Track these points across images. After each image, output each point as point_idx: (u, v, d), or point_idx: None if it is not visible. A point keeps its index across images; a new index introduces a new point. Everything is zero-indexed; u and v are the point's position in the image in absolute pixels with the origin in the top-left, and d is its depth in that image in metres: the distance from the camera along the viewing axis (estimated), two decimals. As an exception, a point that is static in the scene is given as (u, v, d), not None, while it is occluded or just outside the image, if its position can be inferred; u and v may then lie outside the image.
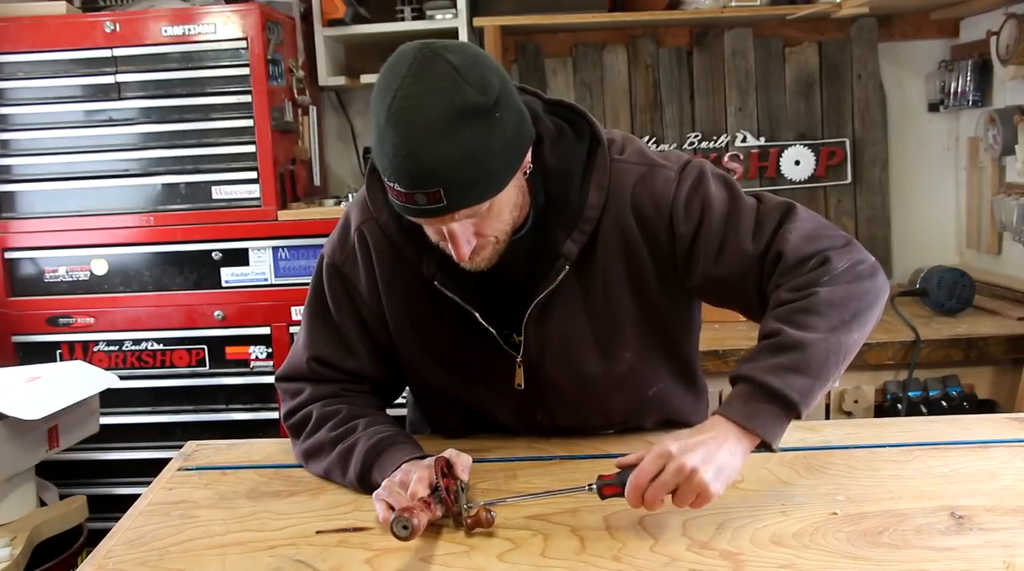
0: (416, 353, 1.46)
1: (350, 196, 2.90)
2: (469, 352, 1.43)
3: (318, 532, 1.24)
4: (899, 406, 2.47)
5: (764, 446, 1.21)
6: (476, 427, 1.56)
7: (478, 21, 2.92)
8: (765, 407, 1.21)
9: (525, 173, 1.30)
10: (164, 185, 2.75)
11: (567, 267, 1.34)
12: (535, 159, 1.33)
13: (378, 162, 1.20)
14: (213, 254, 2.76)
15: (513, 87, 1.24)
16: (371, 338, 1.47)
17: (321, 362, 1.47)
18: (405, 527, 1.12)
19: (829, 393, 2.52)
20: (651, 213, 1.36)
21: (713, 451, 1.16)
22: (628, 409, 1.50)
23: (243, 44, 2.68)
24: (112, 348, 2.80)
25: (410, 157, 1.14)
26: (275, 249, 2.76)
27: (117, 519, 1.32)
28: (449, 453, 1.27)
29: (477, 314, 1.37)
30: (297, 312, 2.71)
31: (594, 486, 1.21)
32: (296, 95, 2.92)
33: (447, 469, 1.23)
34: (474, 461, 1.34)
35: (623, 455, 1.29)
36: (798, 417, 1.22)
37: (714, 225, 1.34)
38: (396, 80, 1.16)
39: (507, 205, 1.27)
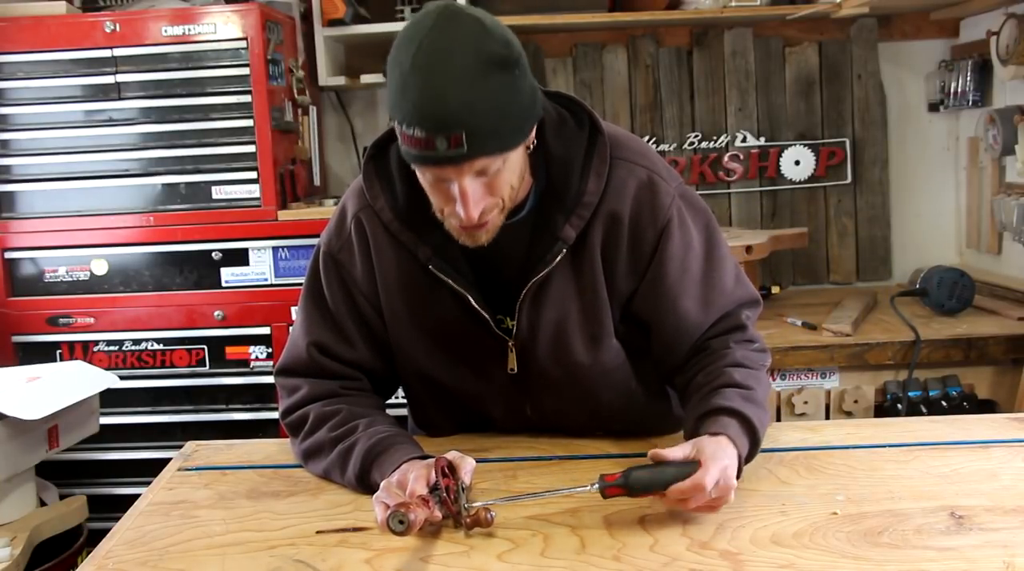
0: (410, 340, 1.47)
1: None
2: (462, 338, 1.44)
3: (318, 532, 1.24)
4: (899, 406, 2.46)
5: None
6: (465, 423, 1.56)
7: (478, 21, 2.92)
8: (747, 445, 1.31)
9: (528, 147, 1.32)
10: (164, 185, 2.75)
11: (564, 250, 1.36)
12: (539, 144, 1.35)
13: (398, 111, 1.21)
14: (213, 254, 2.76)
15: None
16: (367, 325, 1.48)
17: (320, 349, 1.47)
18: (401, 522, 1.11)
19: (829, 393, 2.52)
20: (648, 221, 1.39)
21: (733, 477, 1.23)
22: (614, 405, 1.50)
23: (243, 44, 2.68)
24: (112, 348, 2.80)
25: (436, 99, 1.17)
26: (275, 249, 2.76)
27: (117, 519, 1.32)
28: (453, 455, 1.27)
29: (471, 298, 1.38)
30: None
31: (596, 486, 1.21)
32: (296, 95, 2.92)
33: (448, 470, 1.23)
34: (476, 462, 1.34)
35: (623, 455, 1.30)
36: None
37: (694, 272, 1.43)
38: (421, 32, 1.19)
39: (516, 168, 1.29)
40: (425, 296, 1.42)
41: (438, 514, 1.19)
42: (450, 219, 1.31)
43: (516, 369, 1.45)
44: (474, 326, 1.42)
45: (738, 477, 1.25)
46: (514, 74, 1.21)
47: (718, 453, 1.21)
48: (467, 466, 1.27)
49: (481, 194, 1.26)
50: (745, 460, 1.30)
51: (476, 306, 1.39)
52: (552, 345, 1.43)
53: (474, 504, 1.22)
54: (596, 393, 1.48)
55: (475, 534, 1.21)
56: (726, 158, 3.21)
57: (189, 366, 2.81)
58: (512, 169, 1.28)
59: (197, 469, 1.50)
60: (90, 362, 2.67)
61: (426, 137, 1.18)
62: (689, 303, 1.43)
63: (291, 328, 2.71)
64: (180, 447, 1.61)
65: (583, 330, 1.42)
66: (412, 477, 1.23)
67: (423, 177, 1.29)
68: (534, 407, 1.51)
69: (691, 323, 1.44)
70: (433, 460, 1.26)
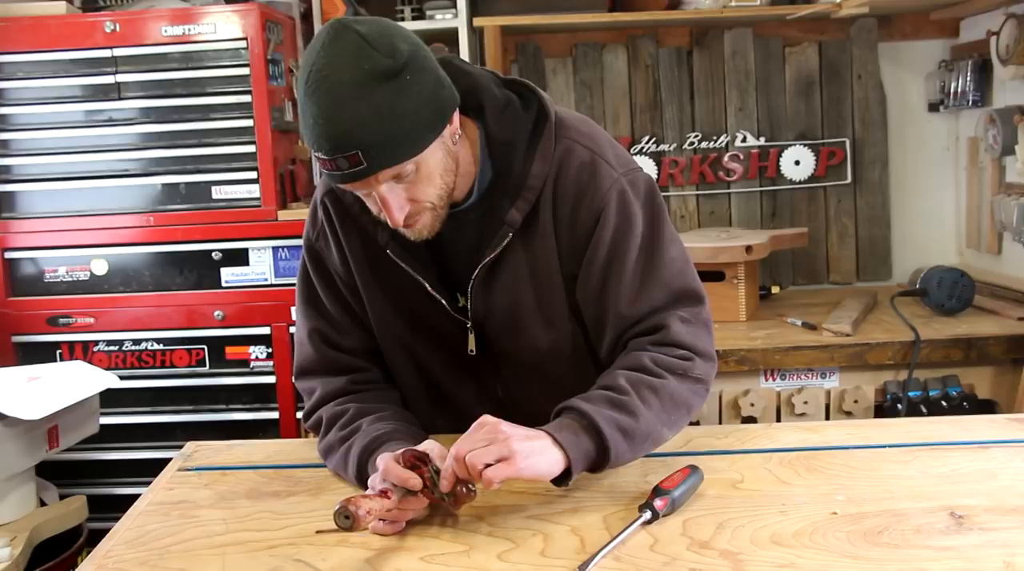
0: (385, 319, 1.49)
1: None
2: (427, 318, 1.46)
3: (318, 532, 1.24)
4: (899, 406, 2.46)
5: (560, 478, 1.24)
6: (442, 405, 1.55)
7: (478, 21, 2.92)
8: (587, 446, 1.25)
9: (453, 141, 1.33)
10: (164, 185, 2.75)
11: (510, 234, 1.37)
12: (482, 129, 1.37)
13: (305, 137, 1.26)
14: (213, 254, 2.76)
15: (429, 55, 1.28)
16: (352, 310, 1.50)
17: (322, 336, 1.50)
18: (347, 517, 1.12)
19: (829, 393, 2.52)
20: (586, 204, 1.39)
21: (532, 443, 1.20)
22: (577, 390, 1.41)
23: (243, 44, 2.68)
24: (112, 348, 2.80)
25: (327, 122, 1.20)
26: (275, 249, 2.76)
27: (117, 519, 1.32)
28: (427, 445, 1.28)
29: (427, 284, 1.41)
30: (297, 312, 2.72)
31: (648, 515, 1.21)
32: (296, 95, 2.92)
33: (417, 459, 1.23)
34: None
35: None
36: (598, 470, 1.28)
37: (627, 261, 1.39)
38: (311, 57, 1.23)
39: (436, 169, 1.29)
40: (392, 277, 1.44)
41: (393, 498, 1.18)
42: (386, 220, 1.32)
43: (475, 351, 1.46)
44: (433, 307, 1.44)
45: (566, 480, 1.23)
46: (404, 80, 1.21)
47: (493, 422, 1.21)
48: (436, 451, 1.26)
49: (403, 199, 1.28)
50: (597, 466, 1.27)
51: (432, 292, 1.41)
52: (507, 328, 1.44)
53: (461, 483, 1.21)
54: (558, 376, 1.48)
55: (475, 534, 1.21)
56: (726, 158, 3.21)
57: (189, 366, 2.81)
58: (431, 169, 1.28)
59: (197, 469, 1.50)
60: (90, 362, 2.67)
61: (329, 159, 1.22)
62: (616, 293, 1.39)
63: (294, 335, 2.72)
64: (180, 447, 1.61)
65: (538, 313, 1.43)
66: (380, 470, 1.23)
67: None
68: (504, 388, 1.52)
69: (616, 313, 1.40)
70: (399, 453, 1.25)
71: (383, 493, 1.18)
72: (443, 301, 1.43)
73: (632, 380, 1.32)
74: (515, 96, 1.41)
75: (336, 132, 1.20)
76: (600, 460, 1.26)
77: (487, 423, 1.22)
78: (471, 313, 1.44)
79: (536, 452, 1.19)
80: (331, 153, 1.21)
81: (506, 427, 1.21)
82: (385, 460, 1.24)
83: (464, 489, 1.20)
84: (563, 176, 1.38)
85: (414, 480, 1.20)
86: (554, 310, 1.43)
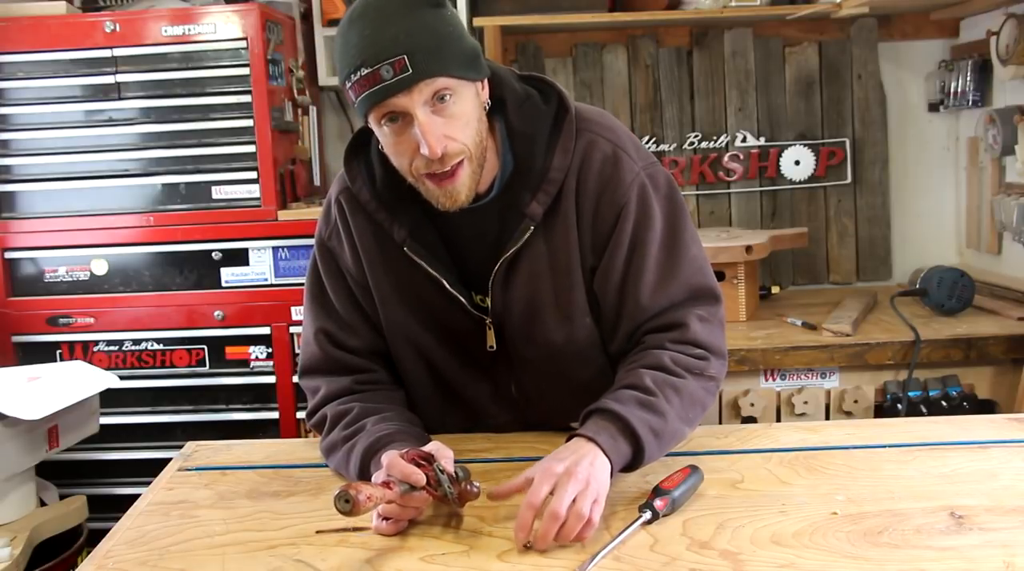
0: (398, 319, 1.48)
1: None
2: (444, 315, 1.46)
3: (318, 532, 1.25)
4: (899, 406, 2.46)
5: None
6: (455, 404, 1.55)
7: (478, 21, 2.92)
8: (625, 449, 1.28)
9: (485, 106, 1.35)
10: (164, 185, 2.75)
11: (532, 227, 1.38)
12: (503, 123, 1.39)
13: (345, 64, 1.27)
14: (213, 254, 2.76)
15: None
16: (362, 309, 1.50)
17: (328, 336, 1.50)
18: (347, 501, 1.12)
19: (829, 393, 2.52)
20: (609, 197, 1.40)
21: (595, 466, 1.21)
22: (592, 386, 1.45)
23: (243, 44, 2.68)
24: (112, 348, 2.80)
25: (376, 31, 1.24)
26: (275, 249, 2.76)
27: (117, 519, 1.32)
28: (431, 446, 1.28)
29: (445, 281, 1.40)
30: (297, 312, 2.72)
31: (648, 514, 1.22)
32: (296, 95, 2.92)
33: (421, 459, 1.23)
34: (475, 461, 1.35)
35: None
36: (628, 471, 1.30)
37: (648, 255, 1.40)
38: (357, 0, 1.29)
39: (472, 112, 1.31)
40: (407, 275, 1.44)
41: (396, 489, 1.18)
42: (420, 169, 1.30)
43: (495, 346, 1.46)
44: (453, 305, 1.44)
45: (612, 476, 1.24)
46: (448, 13, 1.29)
47: (554, 467, 1.19)
48: (446, 455, 1.27)
49: (440, 132, 1.27)
50: (628, 467, 1.29)
51: (450, 289, 1.41)
52: (525, 323, 1.44)
53: (465, 481, 1.23)
54: (572, 372, 1.49)
55: (475, 534, 1.21)
56: (726, 158, 3.20)
57: (189, 366, 2.81)
58: (467, 108, 1.29)
59: (197, 469, 1.50)
60: (90, 362, 2.67)
61: (372, 72, 1.23)
62: (636, 286, 1.41)
63: (294, 336, 2.73)
64: (180, 447, 1.61)
65: (556, 307, 1.43)
66: (385, 465, 1.23)
67: (385, 135, 1.31)
68: (518, 386, 1.52)
69: (634, 306, 1.42)
70: (404, 452, 1.26)
71: (385, 484, 1.18)
72: (462, 299, 1.42)
73: (657, 380, 1.34)
74: (534, 91, 1.43)
75: (385, 39, 1.23)
76: (633, 462, 1.29)
77: (556, 472, 1.18)
78: (491, 309, 1.44)
79: (601, 471, 1.21)
80: (376, 61, 1.23)
81: (578, 469, 1.18)
82: (390, 456, 1.24)
83: (469, 487, 1.20)
84: (586, 169, 1.39)
85: (418, 475, 1.20)
86: (572, 304, 1.44)
